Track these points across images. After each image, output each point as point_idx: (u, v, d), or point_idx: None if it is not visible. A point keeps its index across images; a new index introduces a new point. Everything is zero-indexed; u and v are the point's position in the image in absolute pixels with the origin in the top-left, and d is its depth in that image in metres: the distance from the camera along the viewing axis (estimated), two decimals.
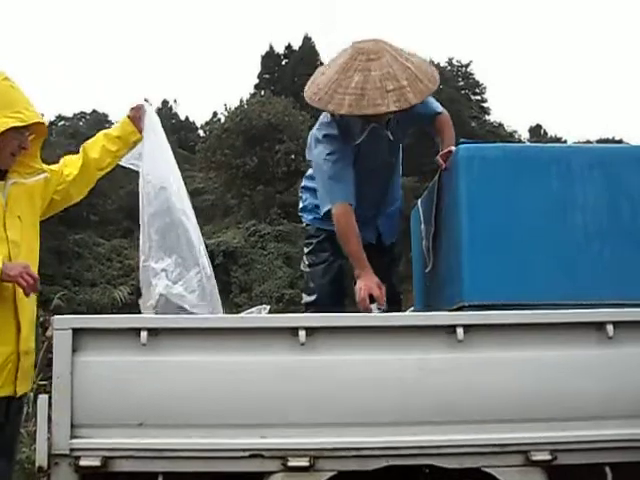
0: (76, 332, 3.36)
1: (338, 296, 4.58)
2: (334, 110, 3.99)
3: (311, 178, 4.63)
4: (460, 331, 3.40)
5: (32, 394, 6.39)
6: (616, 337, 3.46)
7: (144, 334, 3.34)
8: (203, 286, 4.14)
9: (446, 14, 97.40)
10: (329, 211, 4.25)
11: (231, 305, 27.27)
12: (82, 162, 4.18)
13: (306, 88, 4.22)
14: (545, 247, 4.06)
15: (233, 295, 31.07)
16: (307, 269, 4.66)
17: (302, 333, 3.36)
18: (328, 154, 4.24)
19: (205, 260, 4.24)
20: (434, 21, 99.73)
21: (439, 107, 4.55)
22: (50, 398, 3.36)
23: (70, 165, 4.18)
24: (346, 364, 3.41)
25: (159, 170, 4.23)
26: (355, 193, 4.26)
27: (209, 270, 4.24)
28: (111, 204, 41.60)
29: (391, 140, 4.42)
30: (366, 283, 4.09)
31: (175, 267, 4.07)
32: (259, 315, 4.06)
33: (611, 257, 4.07)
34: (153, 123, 4.33)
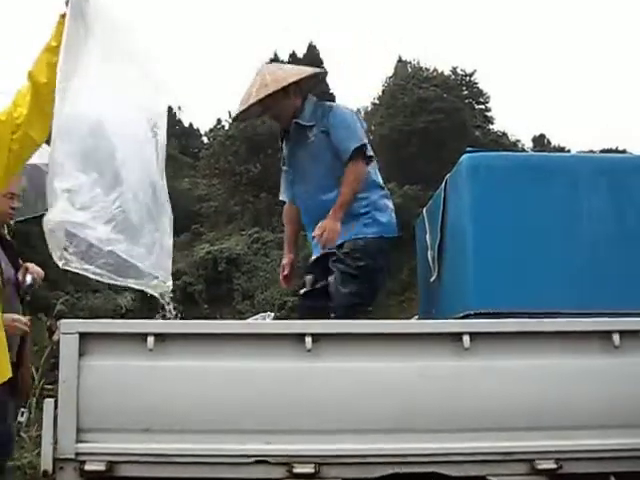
0: (83, 336, 3.36)
1: None
2: (233, 118, 4.85)
3: None
4: (466, 339, 3.40)
5: (34, 399, 6.40)
6: (622, 346, 3.46)
7: (151, 339, 3.35)
8: (126, 217, 3.42)
9: (451, 24, 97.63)
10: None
11: (234, 312, 27.27)
12: (31, 93, 3.41)
13: None
14: (551, 255, 4.07)
15: (235, 302, 31.06)
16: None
17: (308, 340, 3.37)
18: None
19: (137, 183, 3.51)
20: (439, 31, 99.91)
21: (349, 151, 4.44)
22: (56, 402, 3.36)
23: (20, 104, 3.43)
24: (352, 371, 3.41)
25: (78, 66, 3.41)
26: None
27: (145, 196, 3.53)
28: None
29: (291, 151, 4.72)
30: None
31: (85, 188, 3.31)
32: (265, 322, 4.07)
33: (617, 266, 4.09)
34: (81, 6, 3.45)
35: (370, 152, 4.55)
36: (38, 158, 3.82)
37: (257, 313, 5.45)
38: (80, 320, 3.55)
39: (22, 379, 4.63)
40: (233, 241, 34.32)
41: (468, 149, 4.39)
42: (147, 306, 30.86)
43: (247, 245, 33.48)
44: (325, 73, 4.83)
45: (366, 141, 4.51)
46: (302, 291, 4.71)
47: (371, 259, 4.46)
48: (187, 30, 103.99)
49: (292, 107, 4.56)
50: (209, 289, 32.16)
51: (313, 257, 4.70)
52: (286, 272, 4.85)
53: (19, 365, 4.65)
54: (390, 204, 4.69)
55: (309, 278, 4.64)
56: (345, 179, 4.41)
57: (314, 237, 4.42)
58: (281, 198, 5.00)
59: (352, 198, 4.41)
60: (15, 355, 4.65)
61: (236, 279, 32.00)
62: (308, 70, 4.69)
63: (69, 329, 3.38)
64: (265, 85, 4.44)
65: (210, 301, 31.54)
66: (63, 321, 3.44)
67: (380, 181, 4.71)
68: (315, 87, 4.82)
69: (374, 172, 4.67)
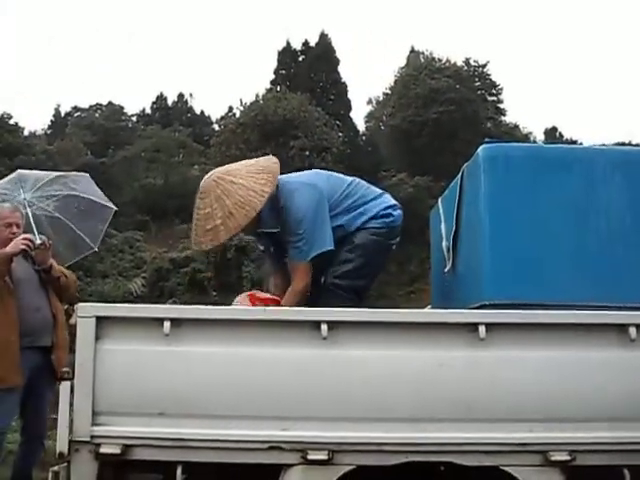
0: (100, 320, 3.38)
1: None
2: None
3: None
4: (482, 329, 3.40)
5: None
6: (638, 340, 3.45)
7: (167, 324, 3.37)
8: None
9: (464, 14, 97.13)
10: None
11: None
12: None
13: None
14: (567, 248, 4.06)
15: (244, 289, 31.09)
16: None
17: (324, 327, 3.38)
18: None
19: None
20: (452, 21, 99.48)
21: (293, 261, 4.45)
22: (72, 385, 3.38)
23: None
24: (368, 359, 3.42)
25: None
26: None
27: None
28: (125, 196, 41.69)
29: (271, 246, 4.72)
30: None
31: None
32: (281, 308, 4.07)
33: (632, 258, 4.07)
34: None
35: (319, 250, 4.36)
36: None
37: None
38: (97, 304, 3.57)
39: (58, 362, 4.77)
40: None
41: (485, 140, 4.38)
42: (157, 292, 31.06)
43: None
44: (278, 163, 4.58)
45: (314, 250, 4.35)
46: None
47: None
48: (200, 17, 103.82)
49: (254, 222, 4.40)
50: (218, 276, 32.17)
51: None
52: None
53: (55, 348, 4.82)
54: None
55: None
56: (292, 286, 4.38)
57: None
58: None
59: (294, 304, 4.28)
60: (50, 339, 4.83)
61: (245, 266, 31.99)
62: (269, 178, 4.40)
63: (86, 313, 3.40)
64: (231, 214, 4.28)
65: (219, 288, 31.55)
66: (80, 305, 3.46)
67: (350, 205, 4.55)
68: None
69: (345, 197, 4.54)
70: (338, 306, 3.84)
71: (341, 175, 4.82)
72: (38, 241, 4.81)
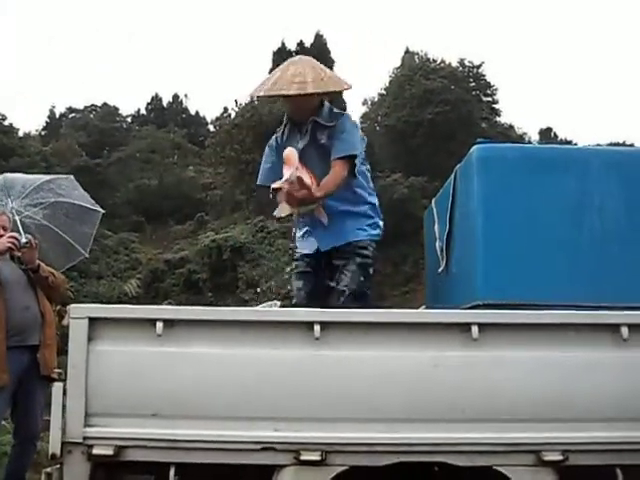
0: (92, 321, 3.38)
1: None
2: (251, 94, 4.82)
3: None
4: (475, 329, 3.41)
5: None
6: (631, 339, 3.46)
7: (160, 325, 3.37)
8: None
9: (459, 15, 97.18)
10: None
11: (238, 300, 27.28)
12: None
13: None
14: (560, 248, 4.07)
15: (240, 290, 31.06)
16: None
17: (317, 328, 3.38)
18: None
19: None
20: (447, 22, 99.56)
21: (341, 154, 4.48)
22: (64, 387, 3.38)
23: None
24: (360, 359, 3.42)
25: None
26: None
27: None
28: (119, 197, 41.65)
29: (303, 148, 4.62)
30: None
31: None
32: (274, 309, 4.07)
33: (625, 259, 4.08)
34: None
35: (361, 166, 4.57)
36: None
37: (261, 302, 5.46)
38: (90, 305, 3.57)
39: (44, 360, 4.78)
40: (238, 230, 34.31)
41: (478, 140, 4.38)
42: (152, 293, 31.04)
43: (252, 234, 33.46)
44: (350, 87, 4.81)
45: (358, 154, 4.52)
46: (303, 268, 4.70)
47: (372, 260, 4.56)
48: (195, 18, 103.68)
49: (313, 106, 4.61)
50: (213, 277, 32.16)
51: (304, 252, 4.70)
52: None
53: (41, 346, 4.84)
54: None
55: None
56: (328, 177, 4.40)
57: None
58: (262, 183, 4.81)
59: (324, 198, 4.38)
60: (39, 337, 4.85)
61: (240, 267, 31.98)
62: (343, 85, 4.72)
63: (79, 314, 3.40)
64: (322, 79, 4.49)
65: (214, 289, 31.55)
66: (73, 306, 3.45)
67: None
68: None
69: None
70: None
71: None
72: (24, 240, 4.83)
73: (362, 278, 4.44)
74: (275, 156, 4.78)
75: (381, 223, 4.65)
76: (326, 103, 4.69)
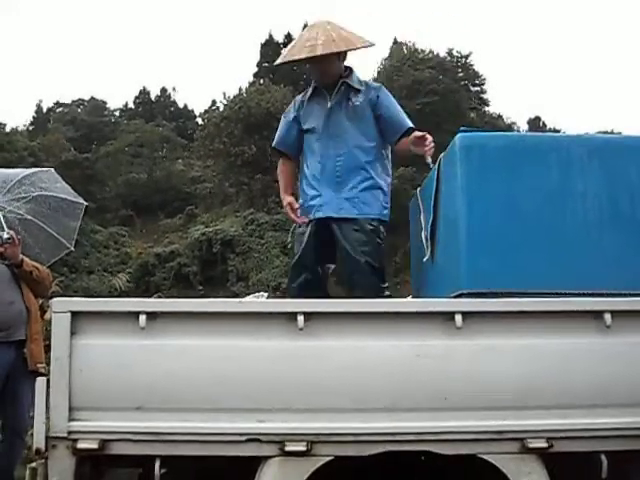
0: (75, 315, 3.36)
1: None
2: (274, 63, 4.99)
3: None
4: (459, 318, 3.40)
5: None
6: (614, 326, 3.45)
7: (143, 317, 3.35)
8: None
9: (447, 5, 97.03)
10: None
11: (228, 293, 27.29)
12: None
13: None
14: (544, 236, 4.08)
15: (230, 284, 31.08)
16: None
17: (300, 318, 3.36)
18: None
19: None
20: (434, 12, 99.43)
21: (407, 127, 4.72)
22: (48, 381, 3.37)
23: None
24: (344, 349, 3.41)
25: None
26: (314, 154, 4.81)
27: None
28: (109, 191, 41.55)
29: (331, 108, 4.74)
30: None
31: None
32: (258, 300, 4.07)
33: (610, 246, 4.09)
34: None
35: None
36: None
37: (251, 294, 5.46)
38: (72, 299, 3.55)
39: (31, 354, 4.78)
40: (228, 223, 34.30)
41: (462, 128, 4.38)
42: (142, 287, 31.00)
43: (242, 227, 33.46)
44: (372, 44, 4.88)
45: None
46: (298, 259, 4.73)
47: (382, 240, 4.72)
48: (182, 10, 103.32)
49: (338, 69, 4.73)
50: (204, 270, 32.16)
51: (311, 217, 4.71)
52: (297, 206, 4.75)
53: (28, 341, 4.84)
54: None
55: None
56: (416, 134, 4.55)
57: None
58: (279, 147, 5.05)
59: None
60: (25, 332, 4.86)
61: (231, 260, 31.99)
62: (365, 41, 4.76)
63: (61, 308, 3.37)
64: (333, 40, 4.55)
65: (205, 282, 31.56)
66: (55, 300, 3.44)
67: None
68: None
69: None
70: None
71: None
72: (5, 235, 4.83)
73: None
74: (293, 113, 4.94)
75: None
76: (355, 71, 4.78)
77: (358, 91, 4.70)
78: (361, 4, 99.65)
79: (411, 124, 4.72)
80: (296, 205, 4.74)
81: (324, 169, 4.71)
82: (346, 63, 4.80)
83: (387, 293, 4.62)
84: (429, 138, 4.44)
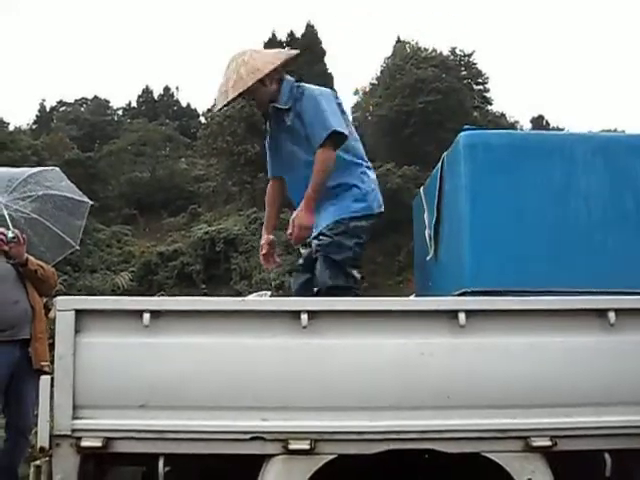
0: (79, 313, 3.36)
1: None
2: (215, 110, 4.91)
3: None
4: (462, 316, 3.40)
5: None
6: (618, 324, 3.45)
7: (146, 316, 3.35)
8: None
9: (450, 4, 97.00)
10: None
11: (231, 292, 27.28)
12: None
13: None
14: (547, 234, 4.08)
15: (233, 282, 31.08)
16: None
17: (304, 317, 3.36)
18: None
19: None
20: (438, 10, 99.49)
21: (318, 139, 4.39)
22: (52, 379, 3.37)
23: None
24: (348, 348, 3.40)
25: None
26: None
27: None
28: (112, 190, 41.57)
29: (272, 136, 4.77)
30: None
31: None
32: (262, 299, 4.06)
33: (613, 245, 4.09)
34: None
35: (343, 131, 4.40)
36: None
37: (254, 293, 5.45)
38: (76, 297, 3.56)
39: (36, 353, 4.78)
40: (231, 221, 34.31)
41: (466, 127, 4.38)
42: (145, 286, 31.01)
43: (245, 225, 33.46)
44: (298, 54, 4.82)
45: (336, 125, 4.36)
46: (299, 262, 4.69)
47: (355, 238, 4.41)
48: (185, 9, 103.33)
49: (269, 93, 4.56)
50: (207, 269, 32.18)
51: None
52: (264, 251, 4.83)
53: (32, 340, 4.85)
54: (371, 176, 4.61)
55: (304, 251, 4.63)
56: (314, 168, 4.35)
57: (290, 233, 4.40)
58: (269, 175, 5.02)
59: (322, 186, 4.35)
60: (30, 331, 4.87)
61: (234, 259, 31.99)
62: (282, 56, 4.62)
63: (65, 306, 3.38)
64: (241, 78, 4.44)
65: (208, 281, 31.57)
66: (59, 298, 3.44)
67: (359, 156, 4.64)
68: (291, 65, 4.83)
69: (352, 147, 4.59)
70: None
71: None
72: (10, 234, 4.82)
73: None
74: (268, 150, 4.90)
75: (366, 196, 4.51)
76: (287, 81, 4.59)
77: (288, 110, 4.54)
78: (364, 3, 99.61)
79: (326, 132, 4.35)
80: (264, 250, 4.81)
81: (292, 191, 4.69)
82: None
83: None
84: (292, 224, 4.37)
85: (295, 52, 4.80)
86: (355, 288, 4.38)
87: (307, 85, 4.63)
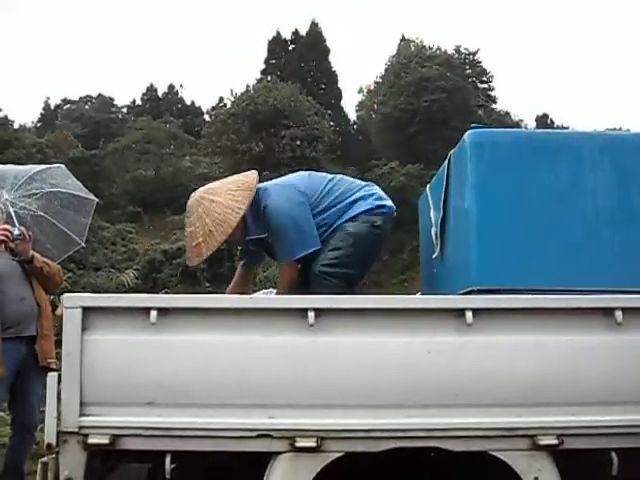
0: (86, 310, 3.37)
1: None
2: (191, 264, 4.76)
3: None
4: (469, 315, 3.40)
5: None
6: (625, 323, 3.45)
7: (154, 313, 3.36)
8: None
9: (454, 2, 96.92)
10: None
11: None
12: None
13: None
14: (554, 232, 4.06)
15: None
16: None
17: (311, 314, 3.37)
18: None
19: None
20: (442, 9, 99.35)
21: (280, 259, 4.58)
22: (59, 376, 3.38)
23: None
24: (355, 346, 3.41)
25: None
26: None
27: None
28: (116, 188, 41.58)
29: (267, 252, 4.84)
30: None
31: None
32: (268, 297, 4.07)
33: (620, 243, 4.08)
34: None
35: (305, 252, 4.43)
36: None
37: (259, 291, 5.45)
38: (83, 294, 3.57)
39: (42, 350, 4.80)
40: None
41: (472, 125, 4.37)
42: (149, 284, 31.01)
43: None
44: (257, 177, 4.61)
45: (298, 252, 4.43)
46: None
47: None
48: (190, 7, 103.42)
49: (240, 232, 4.53)
50: (211, 267, 32.13)
51: None
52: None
53: (39, 337, 4.86)
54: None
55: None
56: (279, 280, 4.62)
57: None
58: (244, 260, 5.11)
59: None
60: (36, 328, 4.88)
61: (238, 257, 31.99)
62: (243, 194, 4.48)
63: (72, 304, 3.39)
64: (210, 232, 4.41)
65: (212, 279, 31.53)
66: (66, 295, 3.45)
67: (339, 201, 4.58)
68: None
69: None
70: (326, 293, 3.94)
71: (323, 173, 4.86)
72: (16, 232, 4.83)
73: None
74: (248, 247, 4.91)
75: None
76: (248, 213, 4.47)
77: (262, 238, 4.59)
78: (365, 2, 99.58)
79: (288, 260, 4.50)
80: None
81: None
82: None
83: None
84: None
85: (252, 177, 4.60)
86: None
87: (269, 199, 4.49)
